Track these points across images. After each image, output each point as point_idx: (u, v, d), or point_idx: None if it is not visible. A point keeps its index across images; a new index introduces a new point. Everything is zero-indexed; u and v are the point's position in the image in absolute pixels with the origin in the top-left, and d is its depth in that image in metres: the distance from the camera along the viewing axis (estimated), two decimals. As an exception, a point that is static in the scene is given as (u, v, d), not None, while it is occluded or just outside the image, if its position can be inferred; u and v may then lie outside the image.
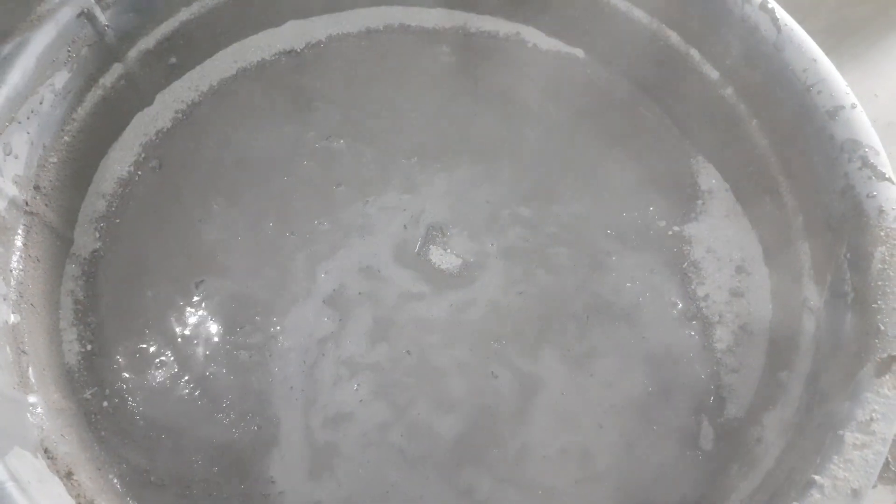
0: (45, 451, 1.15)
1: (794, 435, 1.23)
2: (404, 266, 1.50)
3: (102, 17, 1.39)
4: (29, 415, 1.17)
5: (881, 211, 1.17)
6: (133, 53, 1.51)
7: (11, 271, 1.26)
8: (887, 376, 1.06)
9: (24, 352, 1.23)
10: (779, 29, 1.34)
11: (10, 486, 0.99)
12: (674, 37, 1.55)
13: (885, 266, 1.14)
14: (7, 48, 1.26)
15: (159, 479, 1.31)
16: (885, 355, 1.08)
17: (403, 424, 1.37)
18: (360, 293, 1.47)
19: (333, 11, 1.73)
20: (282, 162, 1.60)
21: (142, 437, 1.35)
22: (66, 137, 1.40)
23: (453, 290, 1.48)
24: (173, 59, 1.60)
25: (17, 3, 1.34)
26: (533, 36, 1.75)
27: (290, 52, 1.72)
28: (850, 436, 1.04)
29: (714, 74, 1.51)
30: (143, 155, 1.59)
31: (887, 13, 1.87)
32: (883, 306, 1.12)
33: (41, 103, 1.31)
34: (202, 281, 1.47)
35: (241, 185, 1.57)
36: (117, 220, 1.52)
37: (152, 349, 1.41)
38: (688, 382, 1.42)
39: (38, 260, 1.34)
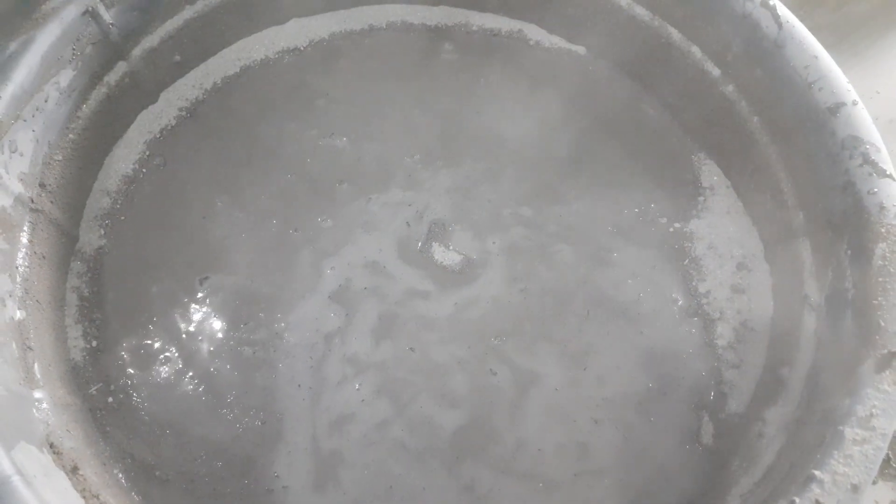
0: (51, 445, 1.16)
1: (795, 430, 1.23)
2: (407, 263, 1.51)
3: (107, 16, 1.39)
4: (35, 410, 1.18)
5: (882, 207, 1.17)
6: (137, 51, 1.51)
7: (17, 268, 1.27)
8: (887, 372, 1.07)
9: (29, 348, 1.24)
10: (780, 25, 1.34)
11: (17, 481, 1.00)
12: (675, 34, 1.55)
13: (886, 262, 1.14)
14: (12, 46, 1.27)
15: (164, 475, 1.32)
16: (886, 351, 1.08)
17: (405, 418, 1.38)
18: (364, 288, 1.48)
19: (336, 9, 1.74)
20: (285, 159, 1.60)
21: (146, 433, 1.36)
22: (71, 135, 1.41)
23: (456, 287, 1.49)
24: (177, 58, 1.61)
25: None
26: (535, 33, 1.75)
27: (293, 49, 1.73)
28: (851, 431, 1.05)
29: (715, 71, 1.52)
30: (147, 153, 1.60)
31: (889, 10, 1.87)
32: (883, 303, 1.12)
33: (46, 101, 1.32)
34: (206, 277, 1.48)
35: (245, 182, 1.58)
36: (122, 218, 1.53)
37: (157, 345, 1.42)
38: (689, 378, 1.43)
39: (43, 257, 1.35)
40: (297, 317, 1.45)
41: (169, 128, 1.63)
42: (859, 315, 1.16)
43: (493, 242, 1.53)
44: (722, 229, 1.55)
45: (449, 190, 1.59)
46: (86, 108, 1.44)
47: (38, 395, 1.20)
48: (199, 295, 1.47)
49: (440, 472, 1.35)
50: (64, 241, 1.43)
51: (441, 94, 1.69)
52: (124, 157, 1.57)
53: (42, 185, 1.34)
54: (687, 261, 1.53)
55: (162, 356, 1.41)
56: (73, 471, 1.16)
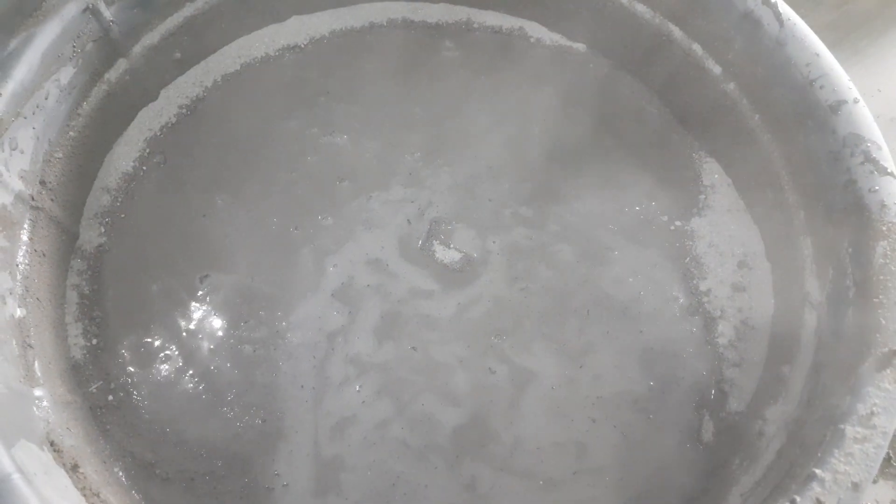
0: (51, 443, 1.16)
1: (796, 429, 1.23)
2: (408, 261, 1.51)
3: (107, 13, 1.39)
4: (35, 408, 1.18)
5: (883, 205, 1.17)
6: (138, 49, 1.51)
7: (17, 266, 1.27)
8: (888, 370, 1.07)
9: (30, 346, 1.24)
10: (781, 23, 1.34)
11: (17, 478, 0.99)
12: (676, 32, 1.55)
13: (887, 261, 1.14)
14: (13, 43, 1.27)
15: (164, 473, 1.32)
16: (887, 349, 1.08)
17: (407, 413, 1.38)
18: (367, 286, 1.48)
19: (337, 6, 1.74)
20: (285, 157, 1.60)
21: (147, 431, 1.36)
22: (71, 133, 1.41)
23: (455, 285, 1.49)
24: (178, 55, 1.61)
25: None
26: (536, 31, 1.75)
27: (293, 47, 1.73)
28: (851, 430, 1.05)
29: (716, 69, 1.51)
30: (147, 150, 1.60)
31: (890, 8, 1.87)
32: (884, 301, 1.12)
33: (46, 98, 1.32)
34: (206, 275, 1.48)
35: (245, 180, 1.58)
36: (122, 215, 1.53)
37: (157, 343, 1.42)
38: (689, 377, 1.43)
39: (43, 255, 1.35)
40: (298, 314, 1.45)
41: (169, 125, 1.63)
42: (860, 313, 1.16)
43: (494, 242, 1.53)
44: (723, 227, 1.55)
45: (450, 188, 1.59)
46: (86, 106, 1.44)
47: (38, 392, 1.20)
48: (200, 293, 1.47)
49: (442, 469, 1.35)
50: (64, 239, 1.43)
51: (442, 92, 1.69)
52: (125, 155, 1.57)
53: (42, 183, 1.34)
54: (688, 259, 1.53)
55: (162, 354, 1.41)
56: (73, 469, 1.16)
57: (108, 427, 1.34)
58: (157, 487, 1.31)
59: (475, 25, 1.76)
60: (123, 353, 1.41)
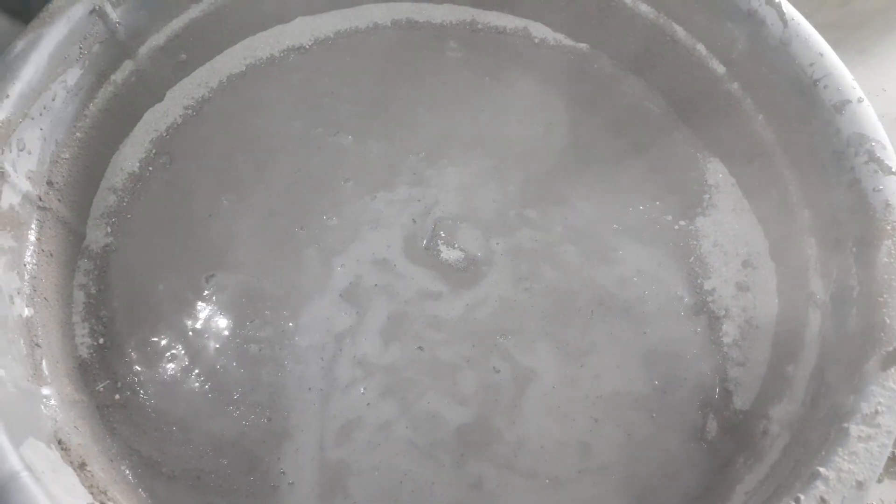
0: (59, 442, 1.17)
1: (800, 428, 1.23)
2: (412, 261, 1.51)
3: (114, 15, 1.40)
4: (43, 406, 1.19)
5: (887, 205, 1.17)
6: (144, 50, 1.52)
7: (25, 266, 1.28)
8: (893, 369, 1.07)
9: (37, 345, 1.24)
10: (785, 23, 1.34)
11: (25, 476, 1.00)
12: (680, 31, 1.55)
13: (892, 260, 1.14)
14: (20, 45, 1.28)
15: (170, 471, 1.33)
16: (891, 348, 1.08)
17: (413, 412, 1.39)
18: (375, 285, 1.48)
19: (341, 7, 1.74)
20: (290, 157, 1.61)
21: (153, 430, 1.36)
22: (78, 133, 1.42)
23: (462, 285, 1.49)
24: (183, 56, 1.61)
25: None
26: (540, 31, 1.75)
27: (298, 48, 1.73)
28: (856, 428, 1.05)
29: (720, 69, 1.52)
30: (153, 150, 1.60)
31: (894, 7, 1.87)
32: (889, 300, 1.12)
33: (53, 100, 1.33)
34: (212, 275, 1.49)
35: (251, 180, 1.58)
36: (129, 216, 1.54)
37: (163, 342, 1.43)
38: (694, 376, 1.43)
39: (51, 254, 1.36)
40: (304, 313, 1.46)
41: (175, 126, 1.64)
42: (864, 312, 1.16)
43: (497, 243, 1.54)
44: (727, 227, 1.55)
45: (454, 188, 1.59)
46: (93, 107, 1.45)
47: (45, 391, 1.21)
48: (206, 292, 1.48)
49: (448, 466, 1.35)
50: (71, 239, 1.44)
51: (446, 92, 1.69)
52: (131, 156, 1.58)
53: (50, 183, 1.35)
54: (692, 258, 1.53)
55: (168, 353, 1.42)
56: (80, 467, 1.17)
57: (115, 425, 1.35)
58: (164, 485, 1.32)
59: (479, 26, 1.76)
60: (130, 353, 1.41)
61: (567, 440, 1.37)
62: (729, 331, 1.46)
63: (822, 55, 1.30)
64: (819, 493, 1.02)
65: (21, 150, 1.26)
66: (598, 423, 1.39)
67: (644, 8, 1.57)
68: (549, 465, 1.35)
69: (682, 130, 1.66)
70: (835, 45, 1.31)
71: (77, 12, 1.33)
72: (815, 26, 1.33)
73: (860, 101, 1.25)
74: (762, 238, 1.53)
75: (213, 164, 1.60)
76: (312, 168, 1.60)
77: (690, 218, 1.57)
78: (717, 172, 1.61)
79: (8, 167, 1.22)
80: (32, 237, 1.31)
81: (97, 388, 1.38)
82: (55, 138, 1.35)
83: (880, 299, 1.13)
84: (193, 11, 1.56)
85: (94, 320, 1.43)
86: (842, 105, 1.26)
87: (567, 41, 1.75)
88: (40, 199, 1.31)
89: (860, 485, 1.01)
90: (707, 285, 1.50)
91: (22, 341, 1.21)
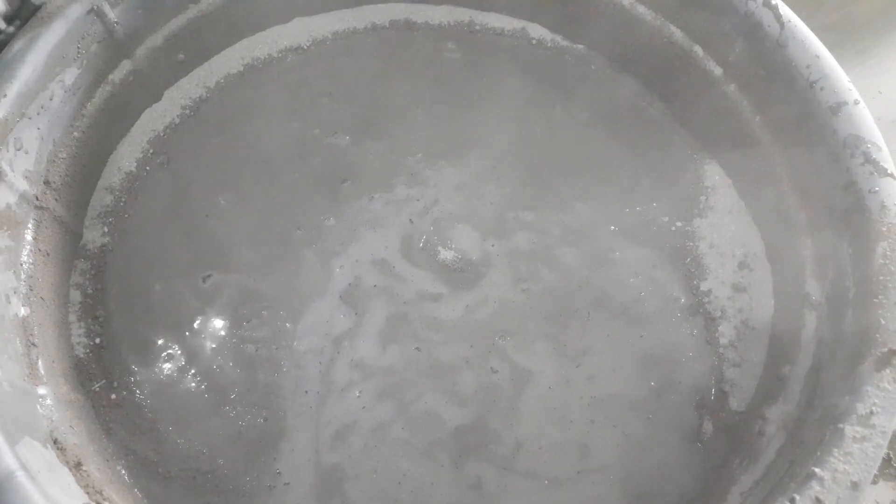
0: (55, 441, 1.17)
1: (795, 428, 1.23)
2: (410, 261, 1.51)
3: (111, 14, 1.40)
4: (38, 406, 1.19)
5: (883, 206, 1.18)
6: (141, 50, 1.52)
7: (22, 265, 1.28)
8: (888, 370, 1.07)
9: (33, 344, 1.25)
10: (782, 25, 1.34)
11: (21, 476, 1.00)
12: (677, 33, 1.55)
13: (887, 261, 1.15)
14: (17, 44, 1.28)
15: (166, 471, 1.33)
16: (886, 349, 1.08)
17: (411, 413, 1.39)
18: (374, 286, 1.49)
19: (339, 8, 1.74)
20: (288, 158, 1.61)
21: (149, 430, 1.36)
22: (75, 133, 1.42)
23: (460, 286, 1.49)
24: (181, 56, 1.62)
25: None
26: (537, 32, 1.76)
27: (296, 48, 1.74)
28: (851, 429, 1.05)
29: (717, 71, 1.52)
30: (151, 150, 1.60)
31: (891, 10, 1.87)
32: (884, 301, 1.12)
33: (51, 99, 1.33)
34: (210, 275, 1.49)
35: (248, 180, 1.59)
36: (126, 215, 1.54)
37: (160, 342, 1.43)
38: (690, 377, 1.43)
39: (47, 254, 1.36)
40: (302, 313, 1.46)
41: (173, 126, 1.64)
42: (860, 313, 1.16)
43: (494, 244, 1.54)
44: (723, 228, 1.56)
45: (452, 189, 1.59)
46: (90, 106, 1.45)
47: (41, 391, 1.21)
48: (203, 292, 1.48)
49: (447, 466, 1.35)
50: (68, 239, 1.44)
51: (443, 93, 1.70)
52: (128, 155, 1.58)
53: (47, 183, 1.35)
54: (689, 259, 1.53)
55: (165, 353, 1.42)
56: (76, 467, 1.17)
57: (111, 425, 1.35)
58: (160, 485, 1.32)
59: (477, 27, 1.76)
60: (126, 352, 1.41)
61: (565, 441, 1.38)
62: (725, 332, 1.47)
63: (818, 57, 1.31)
64: (814, 494, 1.02)
65: (18, 150, 1.26)
66: (596, 424, 1.39)
67: (641, 9, 1.57)
68: (548, 465, 1.36)
69: (678, 132, 1.67)
70: (832, 48, 1.32)
71: (75, 12, 1.33)
72: (813, 28, 1.34)
73: (856, 103, 1.25)
74: (758, 239, 1.53)
75: (211, 165, 1.60)
76: (310, 168, 1.60)
77: (687, 219, 1.57)
78: (713, 174, 1.61)
79: (5, 166, 1.22)
80: (29, 236, 1.31)
81: (93, 388, 1.38)
82: (52, 138, 1.35)
83: (875, 301, 1.13)
84: (191, 12, 1.56)
85: (91, 320, 1.43)
86: (838, 107, 1.26)
87: (564, 42, 1.75)
88: (37, 199, 1.32)
89: (855, 485, 1.01)
90: (703, 286, 1.51)
91: (18, 340, 1.21)
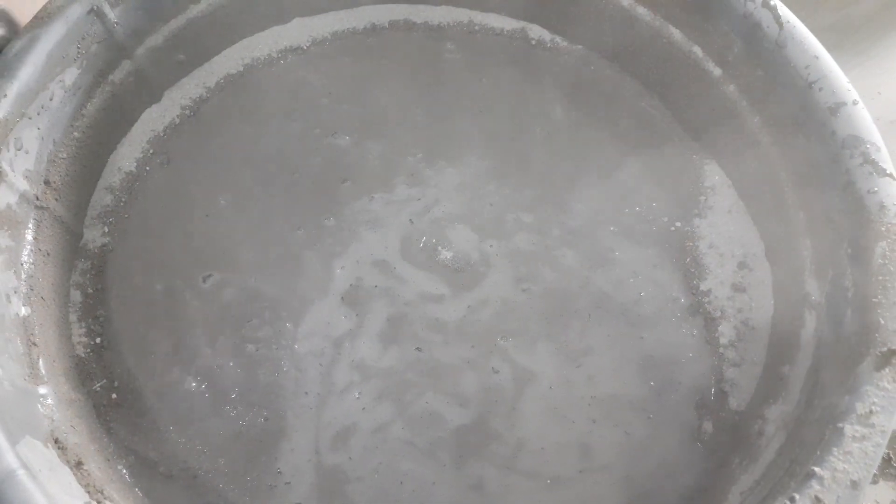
0: (56, 441, 1.17)
1: (795, 428, 1.23)
2: (411, 263, 1.51)
3: (112, 15, 1.40)
4: (39, 405, 1.19)
5: (882, 206, 1.18)
6: (142, 50, 1.52)
7: (22, 265, 1.28)
8: (887, 370, 1.07)
9: (34, 344, 1.25)
10: (781, 26, 1.35)
11: (22, 474, 1.00)
12: (676, 34, 1.56)
13: (886, 261, 1.15)
14: (18, 44, 1.28)
15: (167, 470, 1.33)
16: (885, 349, 1.09)
17: (411, 413, 1.39)
18: (375, 286, 1.49)
19: (339, 9, 1.74)
20: (288, 158, 1.61)
21: (150, 429, 1.36)
22: (75, 133, 1.42)
23: (461, 287, 1.49)
24: (181, 56, 1.62)
25: None
26: (537, 32, 1.76)
27: (296, 48, 1.74)
28: (850, 428, 1.05)
29: (716, 71, 1.52)
30: (151, 150, 1.60)
31: (891, 10, 1.88)
32: (883, 301, 1.13)
33: (51, 99, 1.33)
34: (210, 275, 1.49)
35: (248, 180, 1.59)
36: (126, 215, 1.54)
37: (160, 342, 1.43)
38: (690, 377, 1.43)
39: (48, 254, 1.36)
40: (302, 314, 1.46)
41: (173, 126, 1.64)
42: (859, 313, 1.16)
43: (493, 245, 1.54)
44: (723, 228, 1.56)
45: (452, 189, 1.59)
46: (90, 107, 1.45)
47: (42, 390, 1.21)
48: (203, 292, 1.48)
49: (449, 466, 1.35)
50: (68, 239, 1.44)
51: (443, 94, 1.70)
52: (128, 155, 1.58)
53: (47, 183, 1.35)
54: (688, 259, 1.54)
55: (165, 353, 1.42)
56: (77, 466, 1.17)
57: (112, 425, 1.35)
58: (160, 485, 1.32)
59: (477, 27, 1.77)
60: (127, 352, 1.41)
61: (566, 441, 1.38)
62: (725, 332, 1.47)
63: (817, 58, 1.31)
64: (814, 493, 1.02)
65: (19, 150, 1.26)
66: (597, 424, 1.39)
67: (641, 10, 1.57)
68: (550, 465, 1.36)
69: (678, 133, 1.67)
70: (831, 48, 1.32)
71: (75, 12, 1.34)
72: (812, 29, 1.34)
73: (855, 103, 1.26)
74: (758, 240, 1.53)
75: (211, 165, 1.60)
76: (310, 169, 1.60)
77: (687, 219, 1.58)
78: (713, 174, 1.62)
79: (5, 166, 1.23)
80: (29, 236, 1.31)
81: (94, 388, 1.38)
82: (53, 138, 1.35)
83: (875, 300, 1.13)
84: (191, 12, 1.56)
85: (91, 320, 1.43)
86: (837, 108, 1.26)
87: (564, 43, 1.75)
88: (37, 199, 1.32)
89: (855, 484, 1.02)
90: (703, 286, 1.51)
91: (19, 340, 1.21)
